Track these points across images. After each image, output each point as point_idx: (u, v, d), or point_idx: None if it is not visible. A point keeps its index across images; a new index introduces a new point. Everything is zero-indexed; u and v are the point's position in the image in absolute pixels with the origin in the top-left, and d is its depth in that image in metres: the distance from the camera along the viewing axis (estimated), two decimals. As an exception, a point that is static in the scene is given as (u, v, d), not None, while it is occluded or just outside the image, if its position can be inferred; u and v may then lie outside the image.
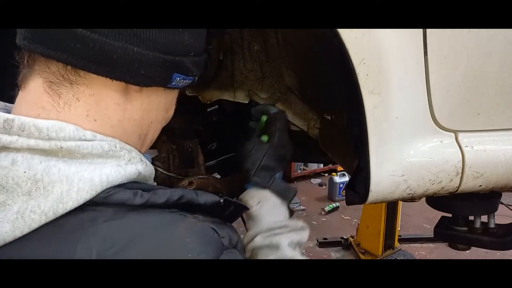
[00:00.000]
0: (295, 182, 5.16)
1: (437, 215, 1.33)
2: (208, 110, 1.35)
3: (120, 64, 0.52)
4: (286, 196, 0.90)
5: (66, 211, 0.47)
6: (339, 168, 4.48)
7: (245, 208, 0.65)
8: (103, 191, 0.49)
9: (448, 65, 0.89)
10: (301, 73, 1.15)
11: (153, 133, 0.65)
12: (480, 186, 0.98)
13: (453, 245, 3.31)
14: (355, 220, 3.89)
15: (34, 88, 0.53)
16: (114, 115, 0.55)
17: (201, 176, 1.07)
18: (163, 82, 0.58)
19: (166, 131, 1.14)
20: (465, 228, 1.27)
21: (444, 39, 0.87)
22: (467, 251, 3.21)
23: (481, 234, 1.26)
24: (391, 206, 3.14)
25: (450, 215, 1.30)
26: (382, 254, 3.17)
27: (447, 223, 1.30)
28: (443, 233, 1.30)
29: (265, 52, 1.22)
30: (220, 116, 1.41)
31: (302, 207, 4.37)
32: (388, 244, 3.23)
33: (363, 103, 0.81)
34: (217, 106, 1.39)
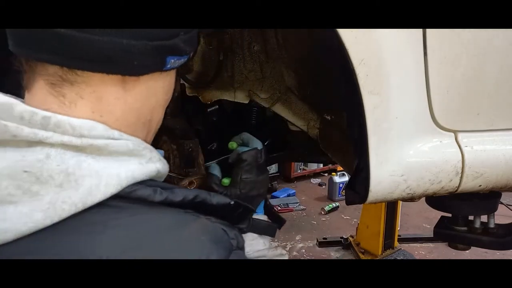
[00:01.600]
0: (295, 182, 5.16)
1: (436, 215, 1.34)
2: (208, 110, 1.36)
3: (112, 58, 0.53)
4: (266, 233, 0.90)
5: (94, 203, 0.51)
6: (339, 168, 4.49)
7: (252, 210, 0.68)
8: (127, 186, 0.53)
9: (448, 65, 0.89)
10: (301, 73, 1.15)
11: (157, 117, 0.66)
12: (480, 186, 0.98)
13: (452, 245, 3.29)
14: (354, 219, 3.89)
15: (39, 90, 0.54)
16: (116, 109, 0.57)
17: (201, 176, 1.07)
18: (158, 67, 0.59)
19: (166, 131, 1.14)
20: (465, 228, 1.27)
21: (444, 39, 0.87)
22: (467, 251, 3.21)
23: (481, 234, 1.26)
24: (391, 206, 3.14)
25: (450, 215, 1.30)
26: (381, 254, 3.18)
27: (447, 223, 1.30)
28: (442, 233, 1.30)
29: (265, 52, 1.22)
30: (220, 116, 1.41)
31: (302, 207, 4.38)
32: (388, 244, 3.23)
33: (362, 103, 0.81)
34: (217, 106, 1.39)
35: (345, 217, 4.14)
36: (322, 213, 4.21)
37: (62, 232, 0.50)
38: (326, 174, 5.28)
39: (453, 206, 1.21)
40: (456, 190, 0.97)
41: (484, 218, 1.27)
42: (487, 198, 1.17)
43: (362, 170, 0.90)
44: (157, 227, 0.52)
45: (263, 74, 1.26)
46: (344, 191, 4.11)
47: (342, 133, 1.08)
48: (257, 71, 1.25)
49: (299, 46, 1.06)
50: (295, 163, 5.07)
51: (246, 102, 1.30)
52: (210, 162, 1.10)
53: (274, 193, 4.62)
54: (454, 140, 0.95)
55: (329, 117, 1.16)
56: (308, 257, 3.37)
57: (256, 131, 1.46)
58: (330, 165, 5.05)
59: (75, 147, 0.51)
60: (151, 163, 0.57)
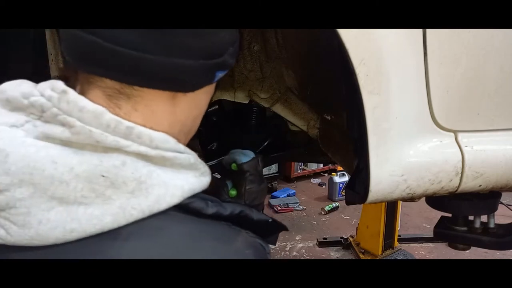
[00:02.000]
0: (295, 182, 5.16)
1: (436, 215, 1.33)
2: (208, 110, 1.35)
3: (169, 77, 0.56)
4: (270, 243, 0.94)
5: (159, 211, 0.54)
6: (339, 168, 4.49)
7: (285, 229, 0.75)
8: (187, 198, 0.57)
9: (448, 65, 0.89)
10: (301, 73, 1.15)
11: (196, 126, 0.69)
12: (480, 186, 0.98)
13: (453, 245, 3.29)
14: (354, 220, 3.90)
15: (96, 99, 0.56)
16: (165, 121, 0.60)
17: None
18: (208, 83, 0.62)
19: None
20: (465, 228, 1.27)
21: (444, 39, 0.87)
22: (467, 251, 3.21)
23: (481, 234, 1.26)
24: (391, 206, 3.14)
25: (450, 215, 1.30)
26: (381, 254, 3.17)
27: (447, 223, 1.30)
28: (442, 233, 1.30)
29: (265, 52, 1.22)
30: (220, 116, 1.41)
31: (302, 207, 4.38)
32: (388, 244, 3.23)
33: (363, 103, 0.81)
34: (217, 106, 1.39)
35: (345, 217, 4.14)
36: (322, 213, 4.21)
37: (128, 237, 0.53)
38: (326, 174, 5.28)
39: (453, 206, 1.21)
40: (456, 190, 0.97)
41: (484, 218, 1.27)
42: (487, 198, 1.17)
43: (362, 170, 0.90)
44: (211, 238, 0.57)
45: (263, 74, 1.26)
46: (344, 191, 4.11)
47: (342, 133, 1.08)
48: (257, 71, 1.25)
49: (299, 46, 1.06)
50: (295, 163, 5.07)
51: (246, 102, 1.30)
52: (211, 162, 1.10)
53: (274, 193, 4.62)
54: (454, 140, 0.95)
55: (329, 117, 1.16)
56: (308, 257, 3.36)
57: (256, 131, 1.46)
58: (330, 165, 5.05)
59: (147, 157, 0.55)
60: (203, 177, 0.62)
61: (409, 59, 0.85)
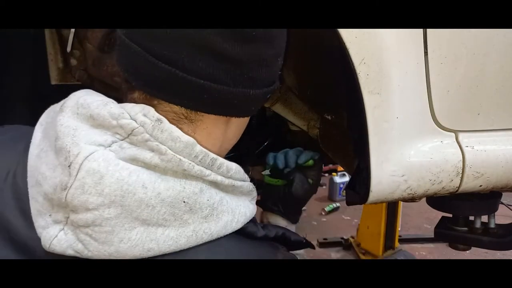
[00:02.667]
0: (295, 182, 5.15)
1: (437, 215, 1.33)
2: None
3: (238, 105, 0.60)
4: None
5: (225, 235, 0.60)
6: (339, 168, 4.48)
7: (312, 247, 0.87)
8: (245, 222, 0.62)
9: (448, 65, 0.89)
10: (301, 73, 1.15)
11: (237, 140, 0.73)
12: (481, 186, 0.98)
13: (453, 245, 3.28)
14: (355, 220, 3.89)
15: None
16: (217, 141, 0.63)
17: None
18: (260, 106, 0.67)
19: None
20: (465, 228, 1.27)
21: (444, 39, 0.87)
22: (467, 251, 3.20)
23: (481, 234, 1.25)
24: (392, 207, 3.13)
25: (451, 215, 1.30)
26: (382, 255, 3.17)
27: (447, 223, 1.30)
28: (443, 233, 1.30)
29: (265, 52, 1.22)
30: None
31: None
32: (389, 244, 3.22)
33: (363, 103, 0.81)
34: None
35: (345, 218, 4.13)
36: (323, 213, 4.21)
37: (190, 253, 0.57)
38: (326, 174, 5.26)
39: (454, 206, 1.21)
40: (457, 190, 0.97)
41: (484, 218, 1.27)
42: (488, 198, 1.17)
43: (363, 170, 0.90)
44: (256, 255, 0.62)
45: (263, 74, 1.26)
46: (344, 191, 4.11)
47: (342, 133, 1.08)
48: (257, 71, 1.25)
49: (299, 46, 1.06)
50: (295, 163, 5.06)
51: (246, 102, 1.30)
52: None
53: (275, 194, 4.61)
54: (455, 140, 0.95)
55: (329, 117, 1.16)
56: (308, 258, 3.36)
57: (256, 131, 1.46)
58: (330, 165, 5.03)
59: (220, 185, 0.60)
60: (253, 201, 0.68)
61: (410, 59, 0.85)
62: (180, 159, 0.55)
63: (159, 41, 0.54)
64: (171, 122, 0.57)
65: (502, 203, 1.29)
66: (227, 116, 0.61)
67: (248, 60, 0.57)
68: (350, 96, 0.85)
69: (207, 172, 0.58)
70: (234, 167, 0.62)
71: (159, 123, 0.55)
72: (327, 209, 4.20)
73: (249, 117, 0.70)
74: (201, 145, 0.59)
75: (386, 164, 0.88)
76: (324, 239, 3.53)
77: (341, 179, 4.49)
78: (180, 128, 0.58)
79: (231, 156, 1.42)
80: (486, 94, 0.95)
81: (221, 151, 0.65)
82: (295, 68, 1.15)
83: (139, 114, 0.55)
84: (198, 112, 0.59)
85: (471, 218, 1.28)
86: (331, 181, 4.59)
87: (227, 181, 0.60)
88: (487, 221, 1.26)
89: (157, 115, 0.56)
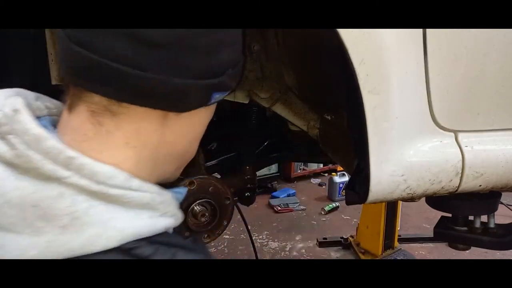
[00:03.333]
0: (295, 182, 5.16)
1: (437, 215, 1.33)
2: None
3: (162, 95, 0.53)
4: None
5: (93, 252, 0.49)
6: (339, 168, 4.48)
7: None
8: (130, 242, 0.51)
9: (448, 65, 0.89)
10: (301, 73, 1.15)
11: (192, 150, 0.66)
12: (480, 186, 0.98)
13: (452, 245, 3.29)
14: (355, 220, 3.89)
15: (79, 114, 0.54)
16: (151, 141, 0.57)
17: (201, 176, 1.07)
18: (203, 104, 0.59)
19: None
20: (465, 228, 1.27)
21: (444, 39, 0.87)
22: (467, 251, 3.21)
23: (481, 234, 1.26)
24: (391, 206, 3.13)
25: (450, 215, 1.30)
26: (382, 254, 3.17)
27: (447, 223, 1.30)
28: (443, 233, 1.30)
29: (265, 52, 1.22)
30: (220, 116, 1.41)
31: (302, 207, 4.37)
32: (388, 244, 3.23)
33: (363, 103, 0.81)
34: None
35: (345, 217, 4.13)
36: (322, 213, 4.21)
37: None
38: (326, 174, 5.27)
39: (453, 206, 1.21)
40: (456, 190, 0.97)
41: (484, 218, 1.27)
42: (487, 198, 1.17)
43: (362, 170, 0.90)
44: None
45: (263, 74, 1.26)
46: (344, 191, 4.11)
47: (342, 133, 1.08)
48: (257, 71, 1.25)
49: (299, 46, 1.06)
50: (295, 163, 5.06)
51: (246, 102, 1.30)
52: (211, 162, 1.10)
53: (274, 193, 4.62)
54: (454, 140, 0.95)
55: (329, 117, 1.16)
56: (308, 257, 3.36)
57: (256, 131, 1.46)
58: (330, 165, 5.03)
59: (90, 192, 0.50)
60: (162, 218, 0.56)
61: (410, 59, 0.85)
62: (29, 155, 0.49)
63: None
64: (91, 116, 0.53)
65: (501, 203, 1.29)
66: (153, 108, 0.54)
67: (174, 44, 0.51)
68: (350, 96, 0.85)
69: (66, 173, 0.49)
70: (103, 170, 0.51)
71: (16, 113, 0.51)
72: (326, 208, 4.21)
73: (204, 119, 0.64)
74: (127, 143, 0.54)
75: (386, 164, 0.88)
76: (324, 238, 3.53)
77: (341, 179, 4.50)
78: (101, 122, 0.53)
79: (230, 156, 1.41)
80: (485, 94, 0.95)
81: (163, 156, 0.59)
82: (295, 68, 1.15)
83: (8, 105, 0.52)
84: (122, 104, 0.53)
85: (471, 218, 1.28)
86: (331, 181, 4.60)
87: (96, 187, 0.50)
88: (486, 221, 1.27)
89: (17, 105, 0.51)
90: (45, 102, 0.62)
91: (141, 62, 0.51)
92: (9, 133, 0.50)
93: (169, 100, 0.54)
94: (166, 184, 0.62)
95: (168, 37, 0.51)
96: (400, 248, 3.31)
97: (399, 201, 2.69)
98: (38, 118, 0.57)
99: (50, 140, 0.50)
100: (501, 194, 1.20)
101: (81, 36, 0.51)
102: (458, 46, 0.89)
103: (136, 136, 0.55)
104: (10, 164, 0.50)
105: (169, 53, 0.52)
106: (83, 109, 0.54)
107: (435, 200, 1.18)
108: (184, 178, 1.04)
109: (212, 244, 3.29)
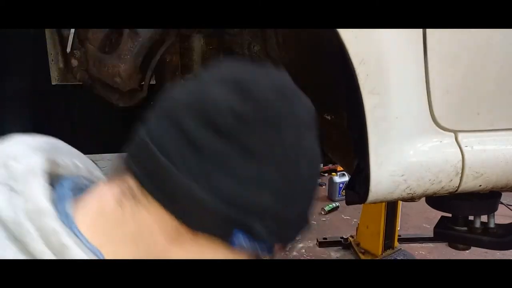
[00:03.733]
0: (295, 182, 5.15)
1: (437, 215, 1.33)
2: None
3: (181, 201, 0.50)
4: None
5: None
6: (339, 168, 4.48)
7: None
8: None
9: (448, 65, 0.89)
10: (301, 73, 1.15)
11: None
12: (480, 186, 0.98)
13: (452, 245, 3.29)
14: (354, 220, 3.89)
15: (109, 190, 0.53)
16: (155, 249, 0.54)
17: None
18: (217, 233, 0.53)
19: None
20: (465, 228, 1.27)
21: (444, 39, 0.87)
22: (467, 251, 3.21)
23: (481, 234, 1.26)
24: (391, 206, 3.13)
25: (450, 215, 1.30)
26: (382, 254, 3.17)
27: (447, 223, 1.30)
28: (443, 233, 1.30)
29: (265, 52, 1.22)
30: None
31: (302, 207, 4.37)
32: (388, 244, 3.22)
33: (363, 103, 0.81)
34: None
35: (345, 217, 4.13)
36: (322, 213, 4.20)
37: None
38: (326, 174, 5.26)
39: (453, 206, 1.21)
40: (456, 190, 0.97)
41: (484, 218, 1.27)
42: (487, 198, 1.17)
43: (362, 170, 0.90)
44: None
45: (263, 74, 1.26)
46: (344, 191, 4.11)
47: (342, 133, 1.08)
48: (257, 71, 1.25)
49: (299, 46, 1.06)
50: (295, 163, 5.06)
51: (246, 102, 1.30)
52: None
53: (274, 193, 4.62)
54: (454, 140, 0.95)
55: (329, 117, 1.16)
56: (308, 257, 3.36)
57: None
58: (330, 165, 5.03)
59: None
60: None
61: (409, 59, 0.85)
62: (23, 225, 0.47)
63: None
64: (119, 193, 0.52)
65: (501, 203, 1.29)
66: (171, 212, 0.51)
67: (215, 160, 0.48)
68: (350, 96, 0.85)
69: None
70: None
71: (28, 173, 0.50)
72: (326, 208, 4.20)
73: (208, 253, 0.55)
74: (134, 233, 0.52)
75: (386, 164, 0.88)
76: (324, 238, 3.53)
77: (341, 179, 4.49)
78: (123, 205, 0.51)
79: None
80: (485, 94, 0.95)
81: (144, 253, 0.54)
82: (295, 68, 1.15)
83: (26, 155, 0.51)
84: (149, 199, 0.50)
85: (471, 217, 1.28)
86: (331, 181, 4.59)
87: None
88: (486, 221, 1.27)
89: (34, 165, 0.51)
90: (75, 161, 0.60)
91: (176, 157, 0.48)
92: (16, 191, 0.49)
93: (186, 208, 0.51)
94: None
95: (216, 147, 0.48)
96: (400, 248, 3.31)
97: (399, 201, 2.69)
98: (60, 177, 0.55)
99: (50, 218, 0.48)
100: (501, 194, 1.20)
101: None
102: (458, 46, 0.89)
103: (140, 234, 0.53)
104: (3, 223, 0.47)
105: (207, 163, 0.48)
106: (114, 186, 0.52)
107: (435, 200, 1.18)
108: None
109: (212, 244, 3.27)
